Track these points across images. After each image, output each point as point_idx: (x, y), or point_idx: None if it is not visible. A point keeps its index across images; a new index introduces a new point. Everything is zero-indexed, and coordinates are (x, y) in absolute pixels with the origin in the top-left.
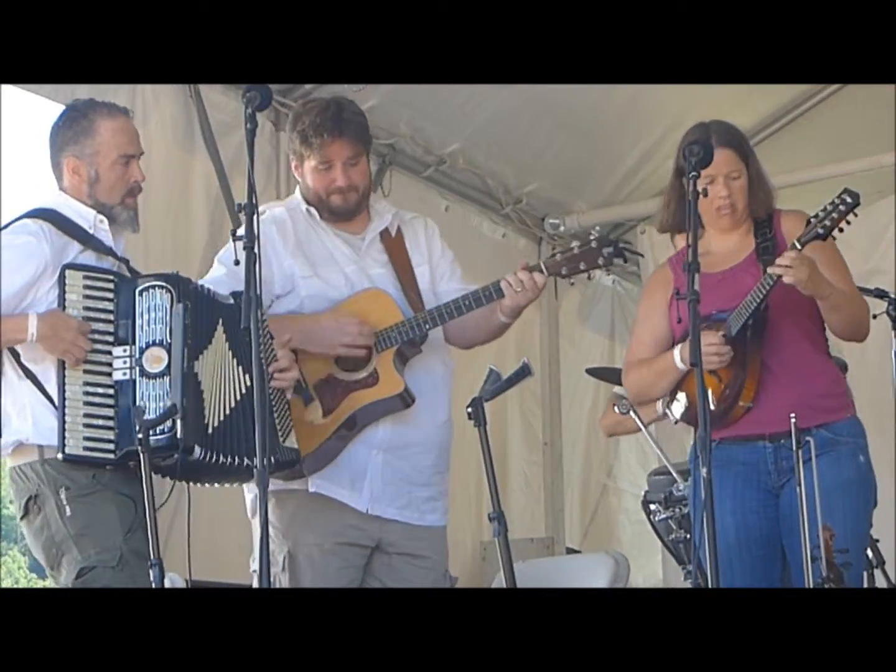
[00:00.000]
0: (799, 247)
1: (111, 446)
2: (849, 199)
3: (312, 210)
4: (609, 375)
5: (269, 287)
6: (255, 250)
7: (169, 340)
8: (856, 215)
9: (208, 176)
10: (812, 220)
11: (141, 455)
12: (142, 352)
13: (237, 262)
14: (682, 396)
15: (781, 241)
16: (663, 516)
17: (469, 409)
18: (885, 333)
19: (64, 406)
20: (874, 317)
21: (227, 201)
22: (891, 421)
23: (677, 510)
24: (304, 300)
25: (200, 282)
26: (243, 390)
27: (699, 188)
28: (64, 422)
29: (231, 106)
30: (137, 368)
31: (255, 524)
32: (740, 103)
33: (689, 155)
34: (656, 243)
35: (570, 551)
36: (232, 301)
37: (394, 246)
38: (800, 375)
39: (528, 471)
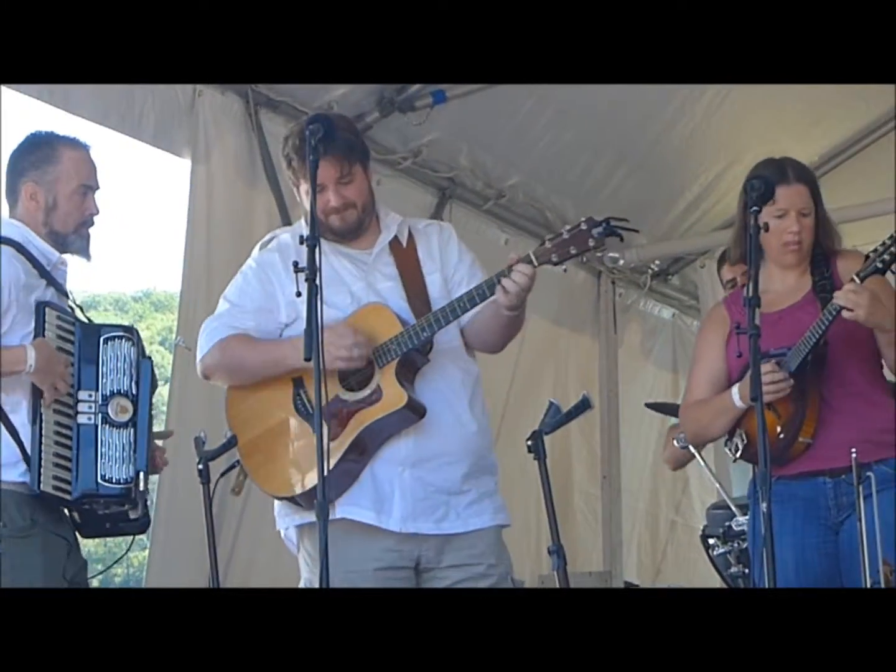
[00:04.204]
0: (858, 281)
1: (69, 487)
2: None
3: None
4: (669, 410)
5: (276, 316)
6: (318, 282)
7: (135, 392)
8: None
9: (270, 208)
10: (871, 254)
11: (202, 485)
12: (105, 399)
13: (298, 294)
14: (741, 434)
15: (838, 279)
16: (721, 551)
17: (529, 443)
18: None
19: (40, 441)
20: None
21: None
22: None
23: (735, 545)
24: (331, 323)
25: (210, 319)
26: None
27: (769, 220)
28: (40, 457)
29: None
30: (101, 415)
31: (300, 558)
32: (800, 139)
33: (750, 190)
34: (716, 278)
35: (629, 585)
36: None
37: (404, 256)
38: (859, 411)
39: (590, 504)
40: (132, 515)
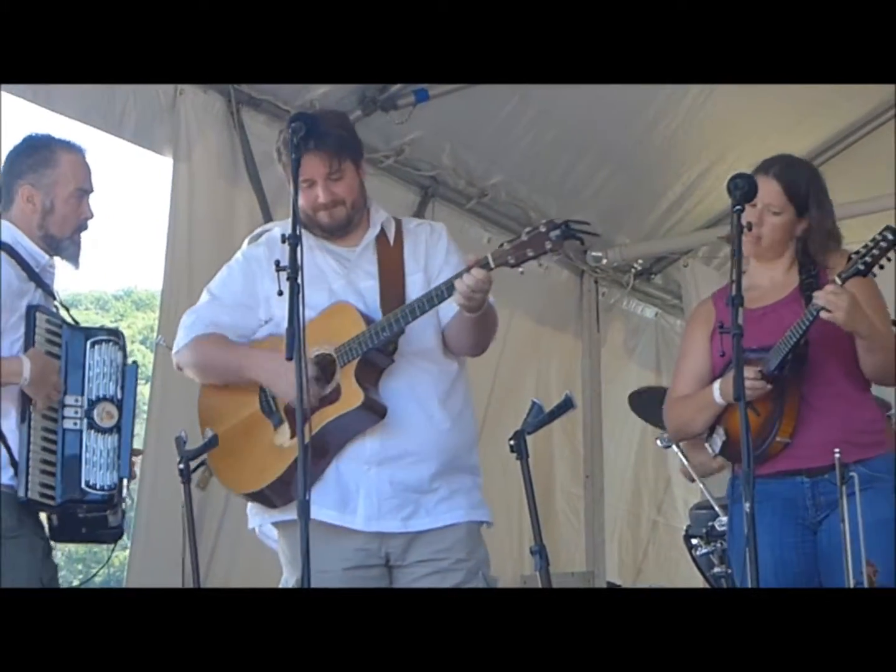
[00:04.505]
0: (839, 282)
1: (53, 493)
2: (890, 237)
3: (304, 229)
4: (652, 396)
5: (255, 312)
6: (299, 281)
7: (120, 397)
8: None
9: (251, 207)
10: (853, 255)
11: (183, 484)
12: (91, 404)
13: (280, 293)
14: (720, 431)
15: (824, 279)
16: (704, 551)
17: (511, 442)
18: None
19: (28, 448)
20: None
21: None
22: None
23: (719, 545)
24: (281, 322)
25: (189, 311)
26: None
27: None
28: (28, 464)
29: (274, 136)
30: (87, 420)
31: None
32: (783, 138)
33: (734, 188)
34: (699, 277)
35: (611, 585)
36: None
37: (388, 255)
38: (838, 411)
39: (572, 504)
40: (112, 522)
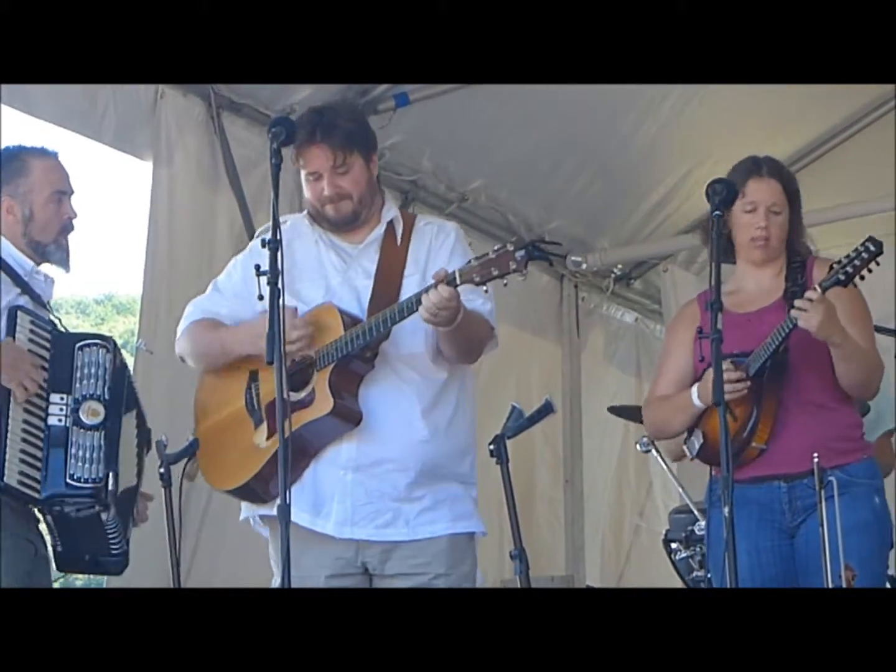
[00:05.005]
0: (819, 291)
1: (38, 486)
2: (872, 248)
3: (312, 222)
4: (632, 413)
5: (254, 305)
6: (280, 286)
7: (107, 396)
8: (878, 264)
9: (232, 211)
10: (835, 265)
11: (164, 488)
12: (78, 403)
13: (261, 297)
14: (699, 433)
15: (810, 287)
16: (684, 555)
17: (491, 447)
18: None
19: (6, 436)
20: None
21: (250, 236)
22: None
23: (698, 549)
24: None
25: (191, 302)
26: (131, 484)
27: (739, 213)
28: (5, 451)
29: (254, 141)
30: (72, 418)
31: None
32: (763, 142)
33: (712, 193)
34: (679, 282)
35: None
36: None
37: (391, 254)
38: (817, 418)
39: (553, 508)
40: (112, 540)
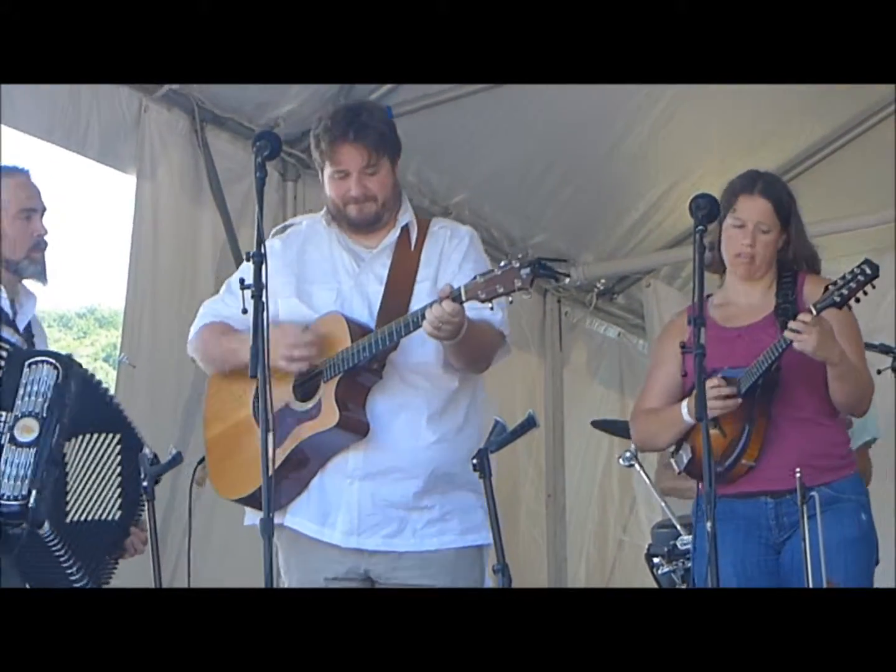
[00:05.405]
0: (815, 312)
1: None
2: (868, 271)
3: (331, 221)
4: (615, 428)
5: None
6: (263, 299)
7: (44, 414)
8: (874, 287)
9: (215, 224)
10: (830, 286)
11: (147, 502)
12: (16, 420)
13: (245, 311)
14: (687, 448)
15: (801, 304)
16: (666, 570)
17: (474, 461)
18: (889, 388)
19: None
20: (878, 372)
21: (234, 250)
22: (891, 476)
23: (680, 563)
24: (283, 322)
25: (204, 303)
26: (110, 516)
27: (728, 227)
28: None
29: (238, 155)
30: (8, 435)
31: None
32: (744, 158)
33: (696, 209)
34: (662, 297)
35: None
36: (138, 434)
37: (403, 259)
38: (805, 434)
39: (536, 522)
40: (66, 565)
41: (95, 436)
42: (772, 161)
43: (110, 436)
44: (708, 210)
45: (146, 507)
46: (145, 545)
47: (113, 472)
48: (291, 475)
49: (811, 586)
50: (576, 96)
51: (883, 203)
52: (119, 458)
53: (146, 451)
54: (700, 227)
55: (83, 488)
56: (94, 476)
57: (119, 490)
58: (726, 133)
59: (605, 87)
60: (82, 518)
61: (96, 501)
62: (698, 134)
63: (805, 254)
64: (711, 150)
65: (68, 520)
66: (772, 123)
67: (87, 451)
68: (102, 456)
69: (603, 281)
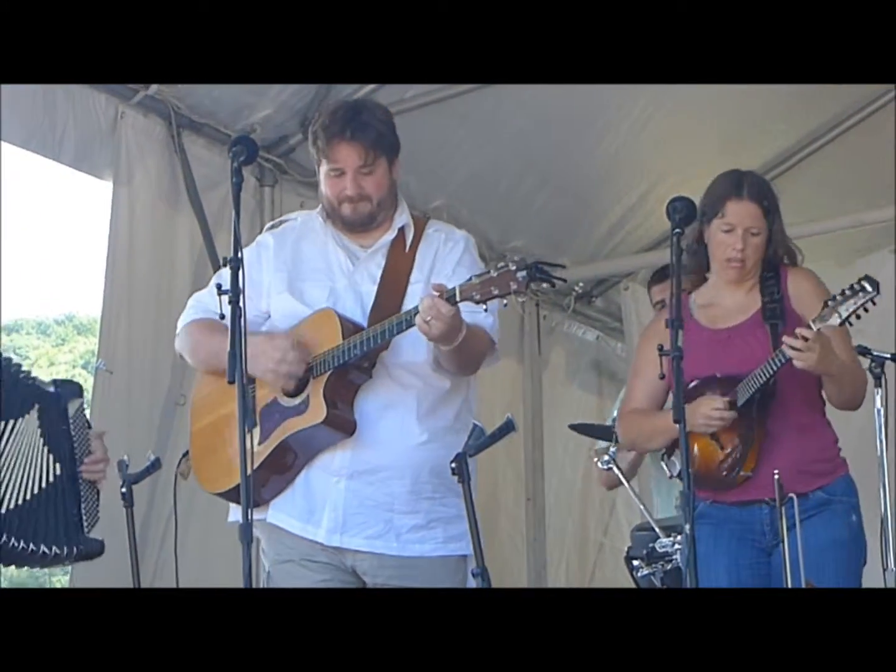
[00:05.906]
0: (814, 329)
1: None
2: (869, 288)
3: (326, 219)
4: (593, 431)
5: (255, 303)
6: (241, 304)
7: None
8: (874, 303)
9: (192, 230)
10: (829, 302)
11: (126, 508)
12: None
13: (222, 317)
14: (678, 454)
15: (788, 302)
16: (645, 572)
17: (453, 465)
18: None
19: None
20: None
21: (211, 256)
22: (873, 474)
23: (659, 566)
24: (276, 319)
25: (193, 296)
26: (51, 479)
27: (716, 232)
28: None
29: (215, 160)
30: None
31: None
32: (722, 159)
33: (673, 212)
34: (640, 300)
35: None
36: (53, 389)
37: (398, 260)
38: (800, 440)
39: (516, 526)
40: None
41: (20, 428)
42: (747, 164)
43: (37, 421)
44: (685, 213)
45: (126, 513)
46: (105, 463)
47: (37, 447)
48: (276, 470)
49: (790, 582)
50: (553, 99)
51: (860, 206)
52: (39, 430)
53: (124, 457)
54: (677, 230)
55: (15, 478)
56: (25, 466)
57: (49, 456)
58: (702, 137)
59: (582, 89)
60: (19, 503)
61: (30, 478)
62: (674, 138)
63: (786, 247)
64: (687, 154)
65: (3, 510)
66: (748, 126)
67: (15, 447)
68: (31, 448)
69: (581, 284)
